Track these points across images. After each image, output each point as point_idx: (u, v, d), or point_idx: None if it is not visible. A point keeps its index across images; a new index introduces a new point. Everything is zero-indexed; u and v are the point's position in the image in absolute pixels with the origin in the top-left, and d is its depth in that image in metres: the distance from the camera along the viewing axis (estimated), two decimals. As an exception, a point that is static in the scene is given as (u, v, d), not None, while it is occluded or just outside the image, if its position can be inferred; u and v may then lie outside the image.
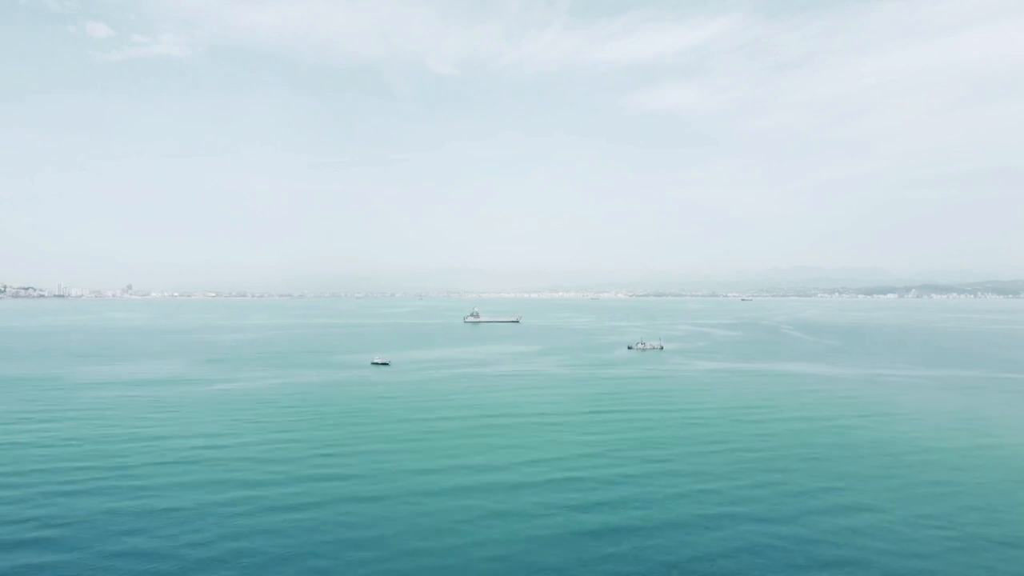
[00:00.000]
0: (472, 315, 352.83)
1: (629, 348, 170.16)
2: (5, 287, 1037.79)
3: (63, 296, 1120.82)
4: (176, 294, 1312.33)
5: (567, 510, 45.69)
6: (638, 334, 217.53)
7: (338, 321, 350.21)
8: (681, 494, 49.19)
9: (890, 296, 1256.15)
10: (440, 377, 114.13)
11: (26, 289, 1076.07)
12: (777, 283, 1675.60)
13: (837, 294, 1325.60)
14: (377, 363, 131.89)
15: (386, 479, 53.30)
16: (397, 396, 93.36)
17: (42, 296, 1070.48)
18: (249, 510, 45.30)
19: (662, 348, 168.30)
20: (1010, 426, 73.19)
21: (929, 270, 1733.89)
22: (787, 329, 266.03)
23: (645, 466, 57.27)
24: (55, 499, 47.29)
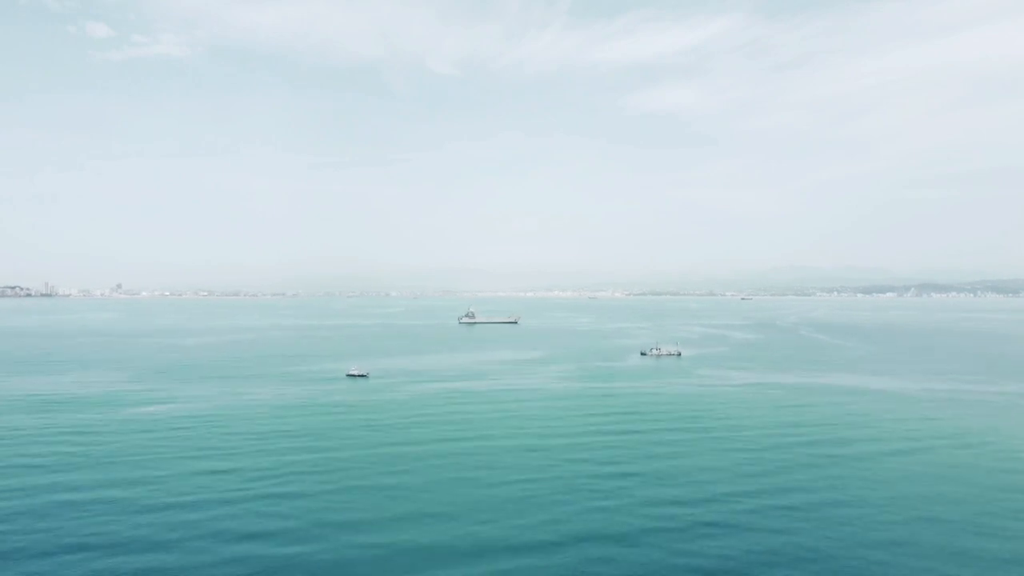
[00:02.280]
0: (467, 315, 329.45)
1: (643, 354, 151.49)
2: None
3: (50, 295, 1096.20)
4: (167, 293, 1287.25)
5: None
6: (650, 338, 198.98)
7: (326, 322, 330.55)
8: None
9: (889, 295, 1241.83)
10: (424, 394, 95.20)
11: (12, 288, 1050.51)
12: (776, 282, 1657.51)
13: (836, 293, 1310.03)
14: (353, 375, 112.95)
15: (330, 537, 37.61)
16: (369, 421, 74.50)
17: (28, 295, 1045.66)
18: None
19: (679, 355, 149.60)
20: None
21: (929, 269, 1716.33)
22: (806, 331, 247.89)
23: (680, 518, 41.62)
24: None
